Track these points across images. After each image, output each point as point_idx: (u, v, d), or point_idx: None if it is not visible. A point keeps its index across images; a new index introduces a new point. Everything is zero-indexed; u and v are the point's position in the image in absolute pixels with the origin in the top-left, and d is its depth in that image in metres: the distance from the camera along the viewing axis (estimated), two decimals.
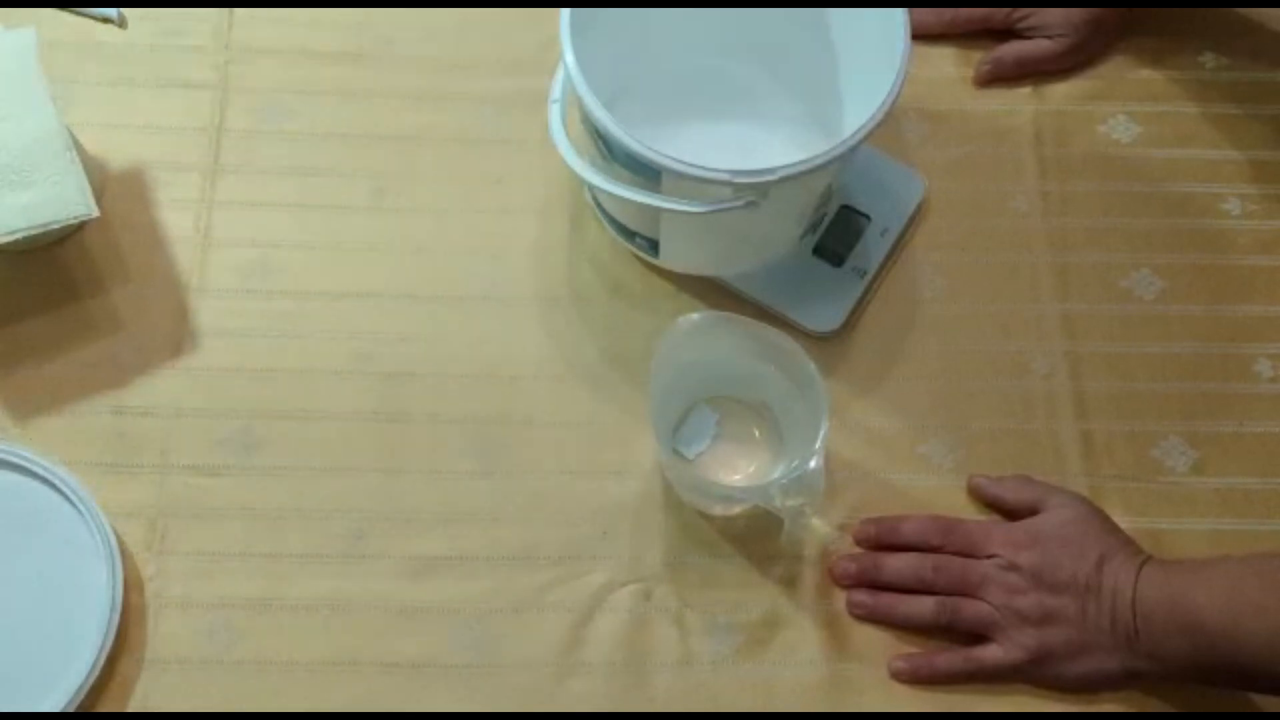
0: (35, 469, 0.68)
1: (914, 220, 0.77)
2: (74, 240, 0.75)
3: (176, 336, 0.73)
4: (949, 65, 0.83)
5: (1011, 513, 0.70)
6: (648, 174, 0.63)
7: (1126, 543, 0.66)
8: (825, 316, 0.74)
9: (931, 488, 0.72)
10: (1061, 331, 0.75)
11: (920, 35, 0.82)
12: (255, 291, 0.75)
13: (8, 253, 0.71)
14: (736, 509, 0.70)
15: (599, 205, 0.74)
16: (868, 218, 0.76)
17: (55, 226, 0.69)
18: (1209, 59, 0.83)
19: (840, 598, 0.69)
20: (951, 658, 0.66)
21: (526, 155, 0.78)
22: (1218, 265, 0.77)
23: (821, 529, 0.70)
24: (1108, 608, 0.63)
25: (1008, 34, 0.82)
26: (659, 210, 0.65)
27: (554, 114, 0.66)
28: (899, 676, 0.67)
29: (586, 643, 0.67)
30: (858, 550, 0.70)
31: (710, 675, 0.67)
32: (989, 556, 0.67)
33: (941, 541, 0.68)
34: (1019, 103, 0.82)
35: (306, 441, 0.71)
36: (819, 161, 0.61)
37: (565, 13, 0.63)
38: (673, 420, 0.72)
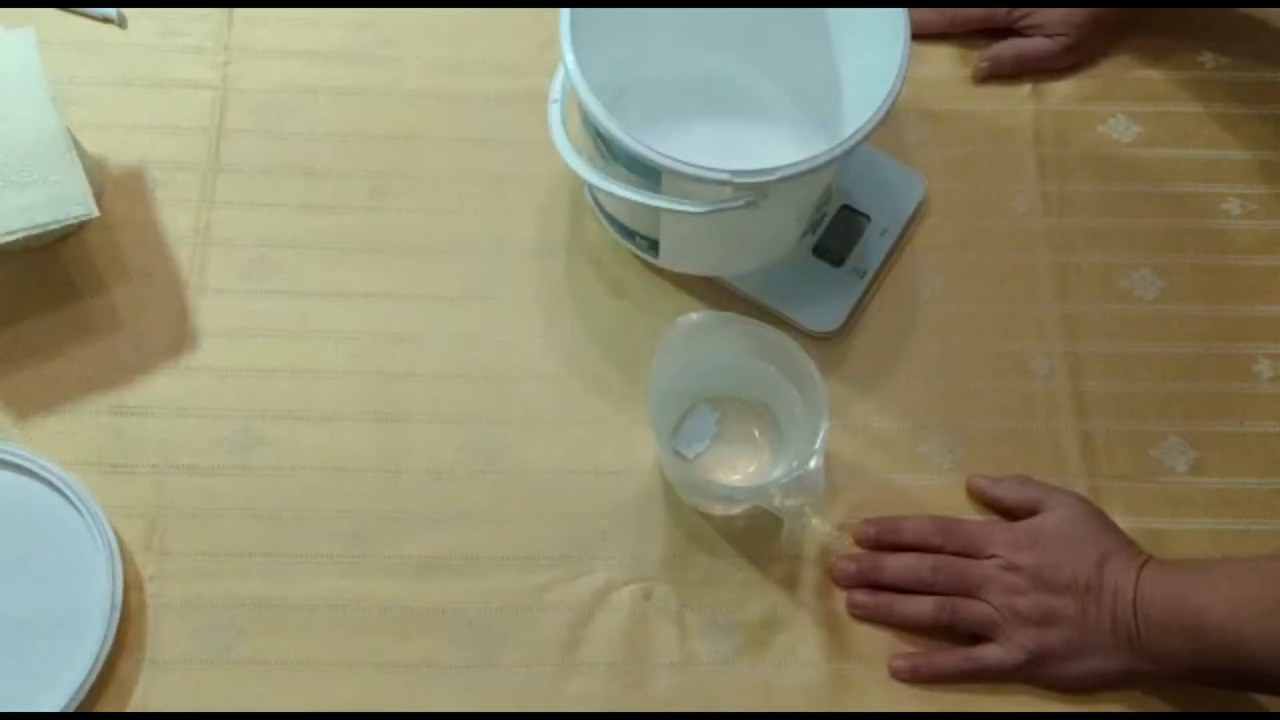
0: (35, 469, 0.68)
1: (914, 220, 0.77)
2: (74, 240, 0.75)
3: (176, 336, 0.73)
4: (949, 65, 0.83)
5: (1011, 513, 0.70)
6: (648, 174, 0.63)
7: (1126, 543, 0.66)
8: (825, 316, 0.74)
9: (931, 488, 0.72)
10: (1061, 331, 0.75)
11: (921, 34, 0.82)
12: (255, 291, 0.75)
13: (7, 253, 0.71)
14: (736, 509, 0.70)
15: (599, 205, 0.74)
16: (868, 218, 0.76)
17: (55, 226, 0.69)
18: (1209, 59, 0.83)
19: (840, 598, 0.69)
20: (952, 657, 0.66)
21: (526, 155, 0.78)
22: (1218, 265, 0.77)
23: (821, 529, 0.70)
24: (1108, 608, 0.63)
25: (1008, 33, 0.82)
26: (659, 210, 0.65)
27: (554, 114, 0.66)
28: (899, 676, 0.67)
29: (586, 643, 0.67)
30: (858, 550, 0.70)
31: (710, 675, 0.67)
32: (989, 557, 0.67)
33: (942, 542, 0.68)
34: (1019, 102, 0.82)
35: (306, 441, 0.71)
36: (819, 161, 0.62)
37: (565, 13, 0.63)
38: (673, 420, 0.72)
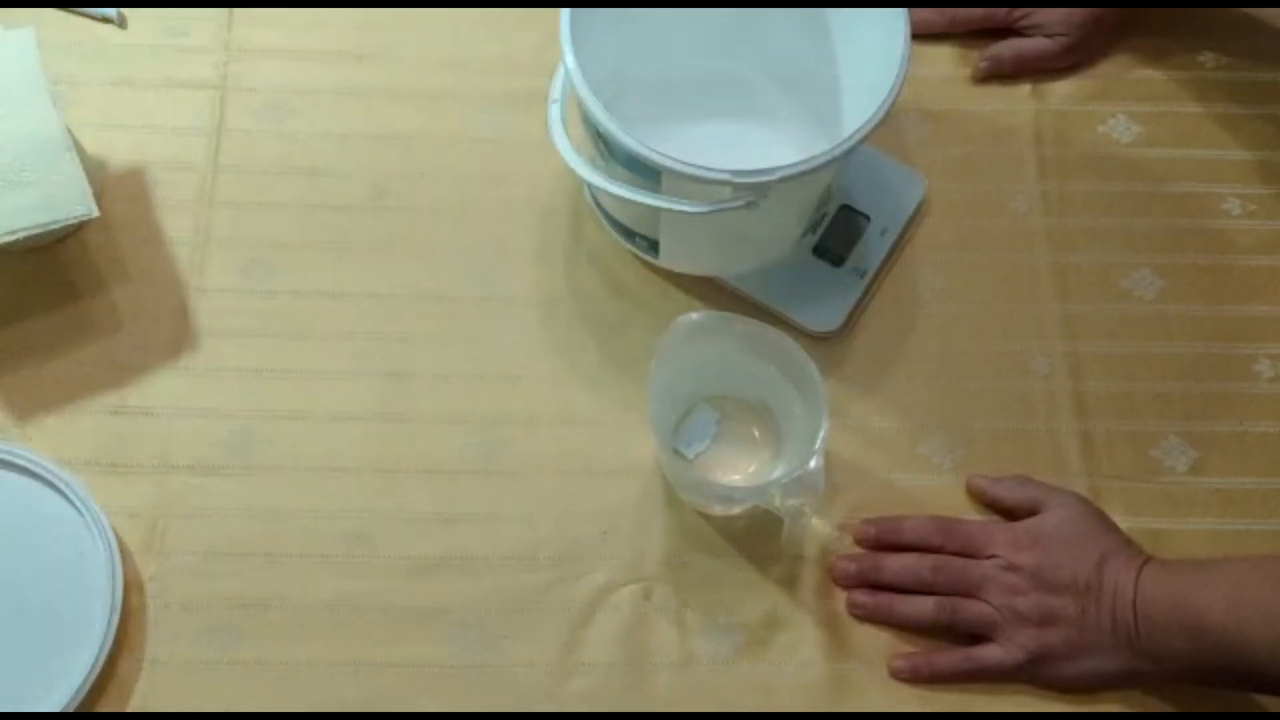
0: (35, 469, 0.68)
1: (914, 220, 0.77)
2: (74, 240, 0.75)
3: (176, 336, 0.73)
4: (949, 65, 0.83)
5: (1010, 513, 0.70)
6: (648, 174, 0.63)
7: (1126, 543, 0.66)
8: (825, 316, 0.74)
9: (931, 488, 0.72)
10: (1061, 331, 0.75)
11: (921, 34, 0.82)
12: (255, 291, 0.75)
13: (7, 253, 0.71)
14: (736, 509, 0.70)
15: (599, 205, 0.74)
16: (868, 218, 0.76)
17: (55, 226, 0.69)
18: (1209, 59, 0.83)
19: (840, 598, 0.69)
20: (952, 657, 0.66)
21: (526, 155, 0.78)
22: (1218, 265, 0.77)
23: (821, 529, 0.70)
24: (1108, 608, 0.63)
25: (1009, 33, 0.82)
26: (659, 210, 0.65)
27: (554, 114, 0.66)
28: (899, 675, 0.67)
29: (586, 643, 0.67)
30: (858, 550, 0.70)
31: (710, 675, 0.67)
32: (989, 557, 0.67)
33: (942, 542, 0.68)
34: (1019, 102, 0.82)
35: (306, 441, 0.71)
36: (819, 161, 0.62)
37: (565, 13, 0.63)
38: (673, 420, 0.72)
